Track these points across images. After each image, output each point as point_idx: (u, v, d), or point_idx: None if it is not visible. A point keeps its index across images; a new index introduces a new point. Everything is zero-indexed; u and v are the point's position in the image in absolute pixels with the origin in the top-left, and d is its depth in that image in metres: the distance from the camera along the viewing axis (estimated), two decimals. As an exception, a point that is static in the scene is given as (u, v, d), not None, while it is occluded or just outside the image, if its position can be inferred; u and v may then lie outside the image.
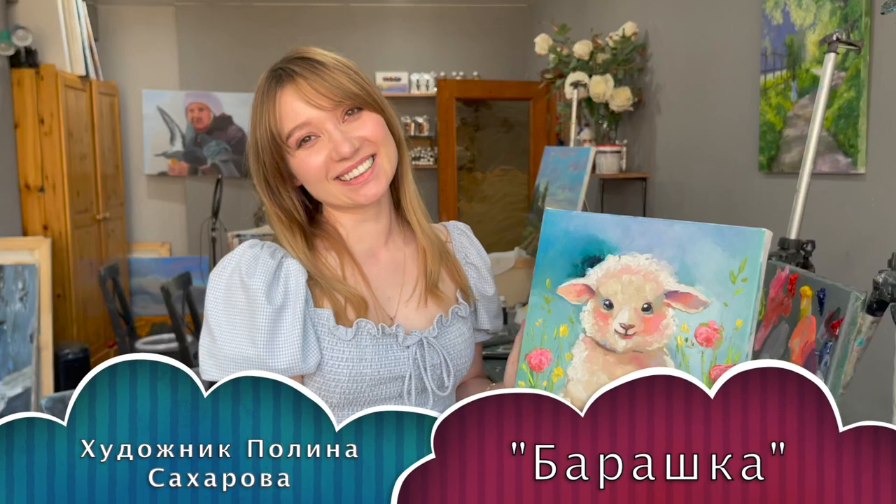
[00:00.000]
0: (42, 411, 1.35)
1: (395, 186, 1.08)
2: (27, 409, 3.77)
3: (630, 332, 0.82)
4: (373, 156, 0.99)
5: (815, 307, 0.91)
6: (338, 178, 0.98)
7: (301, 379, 0.97)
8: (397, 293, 1.05)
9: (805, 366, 0.90)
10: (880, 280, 0.99)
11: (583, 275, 0.85)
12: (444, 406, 1.06)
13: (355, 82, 0.98)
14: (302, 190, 1.05)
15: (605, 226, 0.85)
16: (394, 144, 1.03)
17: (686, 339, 0.79)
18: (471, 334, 1.11)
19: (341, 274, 1.01)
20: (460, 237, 1.17)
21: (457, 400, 1.13)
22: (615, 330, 0.83)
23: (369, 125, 0.99)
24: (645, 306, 0.81)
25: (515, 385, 0.91)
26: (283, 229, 1.01)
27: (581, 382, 0.85)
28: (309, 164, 0.97)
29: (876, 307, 0.98)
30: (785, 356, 0.96)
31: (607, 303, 0.83)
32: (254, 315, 0.93)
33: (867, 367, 1.70)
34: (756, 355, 1.06)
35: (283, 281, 0.95)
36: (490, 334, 1.18)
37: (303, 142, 0.97)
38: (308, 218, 1.05)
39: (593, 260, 0.85)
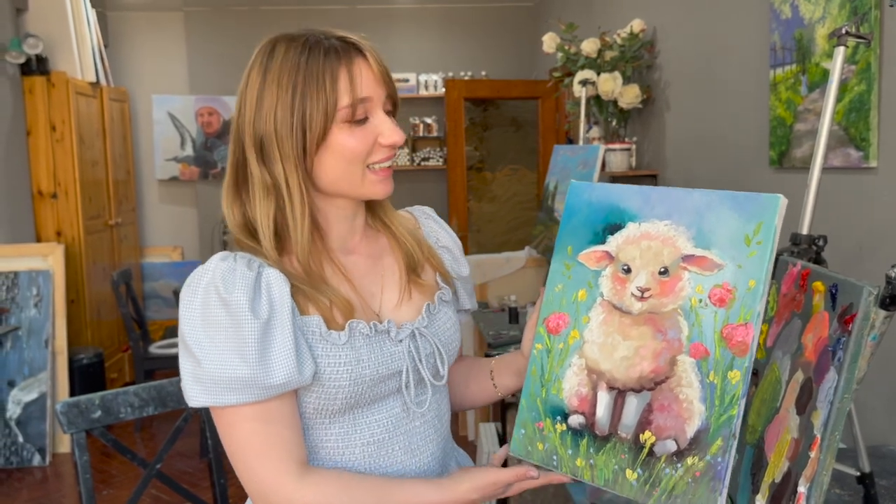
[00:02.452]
0: (57, 416, 1.36)
1: None
2: (43, 414, 3.80)
3: (646, 294, 0.85)
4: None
5: (827, 302, 0.91)
6: (367, 164, 0.96)
7: (295, 393, 0.94)
8: (379, 288, 1.03)
9: (818, 362, 0.89)
10: (893, 274, 0.98)
11: (603, 242, 0.89)
12: (441, 395, 1.07)
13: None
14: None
15: (626, 195, 0.88)
16: None
17: (700, 300, 0.82)
18: (456, 318, 1.10)
19: (324, 274, 0.98)
20: (428, 221, 1.16)
21: (456, 389, 1.15)
22: (632, 293, 0.86)
23: (399, 127, 0.99)
24: (662, 270, 0.84)
25: (532, 348, 0.95)
26: (301, 212, 0.95)
27: (597, 344, 0.88)
28: (354, 144, 0.94)
29: (889, 302, 0.98)
30: (797, 352, 0.96)
31: (625, 268, 0.87)
32: (240, 331, 0.87)
33: (882, 363, 1.69)
34: (768, 352, 1.05)
35: (266, 292, 0.90)
36: (469, 314, 1.18)
37: (354, 120, 0.94)
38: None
39: (613, 228, 0.89)
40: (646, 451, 0.84)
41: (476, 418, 3.70)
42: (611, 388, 0.87)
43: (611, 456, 0.86)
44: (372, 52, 0.96)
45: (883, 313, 0.91)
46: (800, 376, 0.93)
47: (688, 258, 0.83)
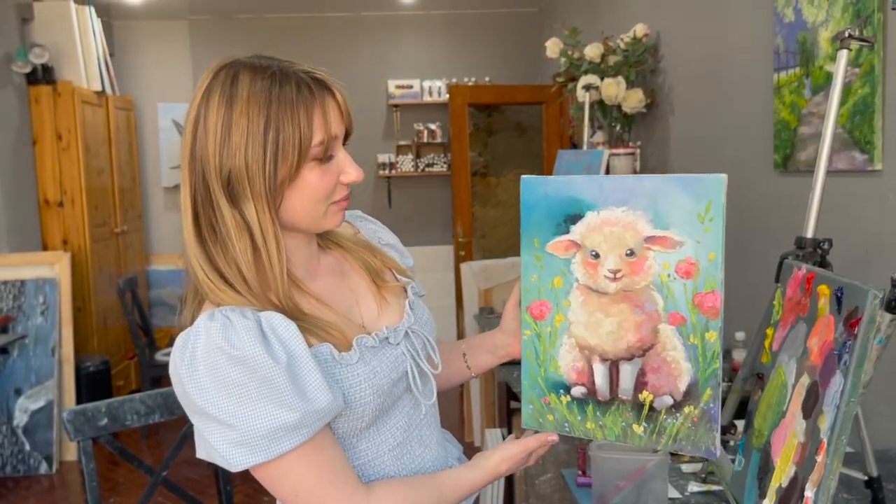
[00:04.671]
0: (63, 424, 1.36)
1: None
2: (49, 422, 3.80)
3: (618, 275, 0.92)
4: None
5: (832, 306, 0.91)
6: (332, 202, 0.96)
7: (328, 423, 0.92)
8: (354, 301, 1.04)
9: (824, 366, 0.89)
10: (899, 277, 0.97)
11: (567, 232, 0.95)
12: (439, 381, 1.11)
13: None
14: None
15: (580, 186, 0.94)
16: None
17: (669, 275, 0.90)
18: (425, 305, 1.13)
19: (300, 307, 0.96)
20: (364, 223, 1.17)
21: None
22: (605, 275, 0.93)
23: None
24: (628, 252, 0.92)
25: (521, 333, 1.01)
26: (276, 251, 0.91)
27: (582, 323, 0.96)
28: (323, 183, 0.93)
29: (895, 305, 0.97)
30: (803, 356, 0.95)
31: (594, 253, 0.94)
32: (269, 381, 0.84)
33: (889, 366, 1.68)
34: (774, 356, 1.05)
35: (273, 336, 0.86)
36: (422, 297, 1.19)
37: (325, 158, 0.92)
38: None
39: (574, 217, 0.95)
40: (646, 407, 0.93)
41: (482, 424, 3.69)
42: (604, 359, 0.95)
43: (617, 416, 0.95)
44: (338, 88, 0.94)
45: (889, 316, 0.91)
46: (806, 380, 0.93)
47: (650, 239, 0.90)
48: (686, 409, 0.90)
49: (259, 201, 0.89)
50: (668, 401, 0.91)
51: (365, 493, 0.92)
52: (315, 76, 0.93)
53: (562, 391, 0.98)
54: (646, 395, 0.92)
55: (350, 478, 0.92)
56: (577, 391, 0.97)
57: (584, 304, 0.95)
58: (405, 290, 1.10)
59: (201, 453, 0.90)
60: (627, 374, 0.93)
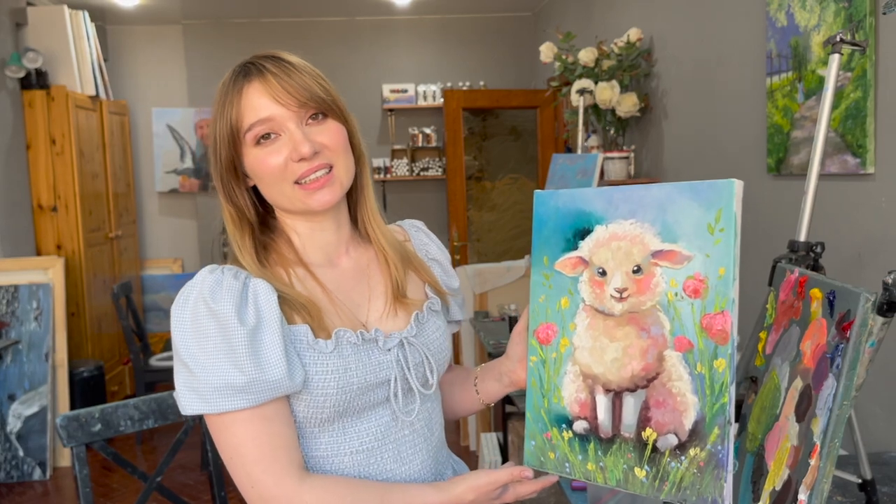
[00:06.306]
0: (57, 430, 1.36)
1: (352, 199, 1.09)
2: (43, 428, 3.79)
3: (624, 294, 0.87)
4: (330, 167, 0.98)
5: (825, 309, 0.91)
6: (295, 181, 0.96)
7: (287, 400, 0.94)
8: (366, 299, 1.04)
9: (817, 369, 0.89)
10: (890, 281, 0.98)
11: (575, 248, 0.91)
12: (432, 404, 1.08)
13: (322, 87, 0.97)
14: (256, 194, 1.03)
15: (590, 198, 0.90)
16: (352, 157, 1.02)
17: (676, 294, 0.83)
18: (446, 327, 1.11)
19: (288, 281, 0.99)
20: (418, 234, 1.18)
21: (443, 397, 1.16)
22: (611, 295, 0.88)
23: (332, 132, 0.98)
24: (635, 269, 0.86)
25: (527, 359, 0.98)
26: (233, 230, 1.00)
27: (587, 349, 0.91)
28: (267, 164, 0.96)
29: (886, 308, 0.98)
30: (796, 360, 0.96)
31: (601, 271, 0.89)
32: (229, 339, 0.89)
33: (882, 369, 1.69)
34: (768, 359, 1.05)
35: (252, 301, 0.92)
36: (460, 325, 1.20)
37: (262, 139, 0.96)
38: (259, 221, 1.04)
39: (583, 232, 0.90)
40: (649, 447, 0.86)
41: (477, 428, 3.69)
42: (607, 390, 0.89)
43: (618, 456, 0.89)
44: (274, 69, 0.96)
45: (881, 320, 0.91)
46: (799, 383, 0.93)
47: (657, 254, 0.85)
48: (692, 452, 0.83)
49: (222, 188, 1.00)
50: (673, 440, 0.85)
51: (298, 479, 0.91)
52: (250, 60, 0.98)
53: (564, 425, 0.93)
54: (649, 434, 0.87)
55: (288, 459, 0.92)
56: (580, 426, 0.92)
57: (589, 328, 0.90)
58: (423, 304, 1.09)
59: (174, 391, 0.96)
60: (630, 407, 0.88)
